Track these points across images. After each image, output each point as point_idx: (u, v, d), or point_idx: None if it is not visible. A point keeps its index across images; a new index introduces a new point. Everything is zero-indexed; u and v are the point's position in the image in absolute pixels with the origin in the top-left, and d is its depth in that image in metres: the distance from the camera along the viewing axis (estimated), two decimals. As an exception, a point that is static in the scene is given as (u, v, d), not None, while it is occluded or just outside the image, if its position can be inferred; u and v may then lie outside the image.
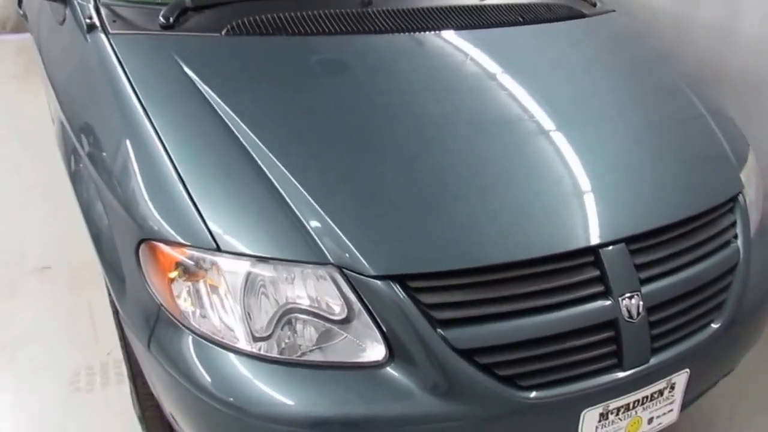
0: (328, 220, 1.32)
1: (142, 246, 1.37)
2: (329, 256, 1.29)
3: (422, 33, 1.82)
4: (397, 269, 1.29)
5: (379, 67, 1.72)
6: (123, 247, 1.44)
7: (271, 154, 1.41)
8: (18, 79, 4.67)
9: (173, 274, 1.34)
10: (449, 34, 1.86)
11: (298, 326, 1.33)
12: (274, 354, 1.31)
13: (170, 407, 1.47)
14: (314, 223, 1.32)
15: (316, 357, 1.32)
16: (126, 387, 2.12)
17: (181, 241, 1.32)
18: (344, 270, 1.29)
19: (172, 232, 1.33)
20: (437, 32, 1.84)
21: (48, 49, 2.00)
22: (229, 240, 1.31)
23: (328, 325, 1.32)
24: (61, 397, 2.14)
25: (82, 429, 2.03)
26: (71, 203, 2.99)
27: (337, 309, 1.32)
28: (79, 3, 1.80)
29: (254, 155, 1.41)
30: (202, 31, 1.69)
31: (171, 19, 1.68)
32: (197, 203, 1.34)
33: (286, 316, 1.32)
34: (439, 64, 1.76)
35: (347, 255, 1.29)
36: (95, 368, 2.27)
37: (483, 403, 1.31)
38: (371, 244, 1.31)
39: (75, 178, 1.63)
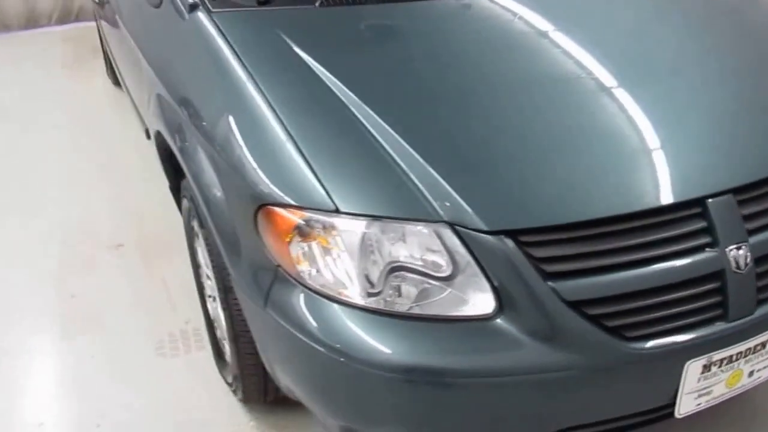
0: (439, 178, 1.38)
1: (261, 211, 1.44)
2: (442, 214, 1.35)
3: None
4: (510, 224, 1.34)
5: (467, 28, 1.77)
6: (239, 214, 1.51)
7: (376, 116, 1.48)
8: (68, 68, 4.78)
9: (292, 236, 1.41)
10: None
11: (407, 281, 1.39)
12: (386, 308, 1.38)
13: (282, 363, 1.56)
14: (425, 182, 1.38)
15: (425, 311, 1.38)
16: (206, 352, 2.24)
17: (301, 204, 1.39)
18: (456, 226, 1.35)
19: (292, 196, 1.40)
20: None
21: (141, 33, 2.07)
22: (347, 201, 1.37)
23: (434, 282, 1.38)
24: (151, 363, 2.25)
25: (175, 390, 2.15)
26: (134, 183, 3.11)
27: (444, 265, 1.38)
28: (176, -14, 1.89)
29: (361, 118, 1.48)
30: (296, 4, 1.76)
31: None
32: (314, 167, 1.41)
33: (396, 272, 1.38)
34: (528, 26, 1.81)
35: (459, 212, 1.35)
36: (176, 336, 2.38)
37: (591, 354, 1.36)
38: (483, 201, 1.37)
39: (183, 150, 1.70)
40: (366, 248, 1.37)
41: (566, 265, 1.35)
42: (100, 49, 4.79)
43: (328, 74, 1.57)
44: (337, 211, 1.37)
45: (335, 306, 1.39)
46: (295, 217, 1.40)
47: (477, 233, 1.34)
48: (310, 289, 1.41)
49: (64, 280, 2.66)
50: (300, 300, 1.42)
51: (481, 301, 1.37)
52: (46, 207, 3.12)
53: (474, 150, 1.46)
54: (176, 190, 2.28)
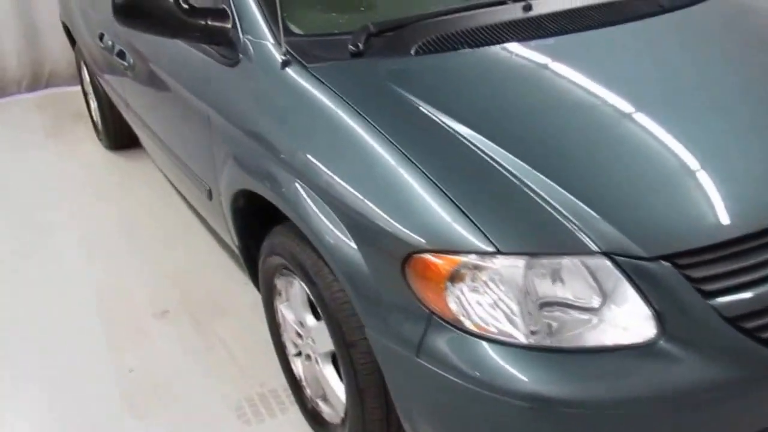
0: (590, 210, 1.40)
1: (410, 259, 1.43)
2: (598, 245, 1.37)
3: (587, 31, 1.92)
4: (669, 249, 1.37)
5: (565, 63, 1.82)
6: (381, 264, 1.50)
7: (510, 155, 1.49)
8: (52, 137, 4.65)
9: (448, 282, 1.40)
10: (610, 30, 1.96)
11: (561, 316, 1.39)
12: (548, 344, 1.38)
13: (433, 413, 1.53)
14: (576, 215, 1.39)
15: (582, 343, 1.39)
16: (291, 414, 2.20)
17: (458, 248, 1.38)
18: (613, 256, 1.37)
19: (447, 241, 1.39)
20: (599, 29, 1.94)
21: (212, 94, 2.03)
22: (506, 241, 1.37)
23: (586, 314, 1.39)
24: (238, 430, 2.18)
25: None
26: (158, 248, 3.15)
27: (596, 296, 1.39)
28: (255, 43, 1.89)
29: (495, 158, 1.49)
30: (392, 54, 1.78)
31: (360, 46, 1.76)
32: (465, 210, 1.41)
33: (548, 307, 1.39)
34: (614, 56, 1.88)
35: (616, 241, 1.37)
36: (254, 400, 2.31)
37: (750, 367, 1.39)
38: (638, 228, 1.39)
39: (294, 206, 1.67)
40: (527, 284, 1.38)
41: (722, 282, 1.39)
42: (82, 114, 4.72)
43: (446, 118, 1.58)
44: (497, 252, 1.37)
45: (499, 347, 1.39)
46: (451, 263, 1.39)
47: (636, 261, 1.37)
48: (469, 333, 1.40)
49: (118, 355, 2.56)
50: (461, 345, 1.41)
51: (640, 327, 1.38)
52: (74, 281, 3.01)
53: (614, 179, 1.49)
54: (246, 250, 2.25)
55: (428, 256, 1.41)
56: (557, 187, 1.44)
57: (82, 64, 4.15)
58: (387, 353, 1.55)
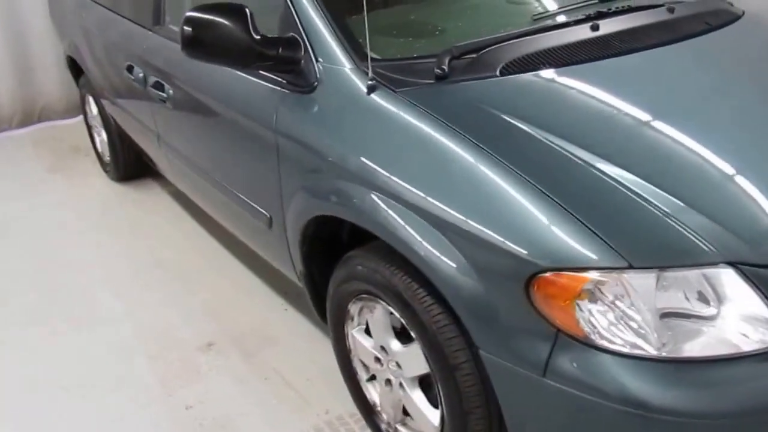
0: (710, 221, 1.42)
1: (536, 279, 1.43)
2: (723, 255, 1.39)
3: (657, 48, 1.96)
4: None
5: (647, 78, 1.86)
6: (498, 285, 1.50)
7: (616, 167, 1.51)
8: (55, 172, 4.53)
9: (578, 299, 1.40)
10: (677, 47, 2.01)
11: (681, 326, 1.41)
12: (678, 355, 1.39)
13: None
14: (697, 226, 1.42)
15: (710, 352, 1.40)
16: None
17: (590, 265, 1.39)
18: (738, 265, 1.39)
19: (577, 258, 1.40)
20: (668, 46, 1.99)
21: (283, 121, 2.01)
22: (637, 255, 1.38)
23: (703, 323, 1.41)
24: (314, 461, 2.15)
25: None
26: (192, 280, 3.09)
27: (717, 304, 1.41)
28: (331, 69, 1.88)
29: (602, 170, 1.51)
30: (477, 75, 1.78)
31: (445, 69, 1.77)
32: (590, 226, 1.41)
33: (666, 318, 1.41)
34: (693, 71, 1.94)
35: (740, 251, 1.40)
36: (323, 428, 2.27)
37: None
38: (760, 237, 1.42)
39: (394, 229, 1.66)
40: (655, 296, 1.39)
41: None
42: (80, 147, 4.65)
43: (549, 136, 1.60)
44: (629, 267, 1.37)
45: (631, 362, 1.39)
46: (580, 280, 1.40)
47: (760, 269, 1.39)
48: (599, 349, 1.41)
49: (171, 393, 2.49)
50: (592, 362, 1.41)
51: (765, 334, 1.40)
52: (107, 321, 2.92)
53: (729, 189, 1.52)
54: (309, 276, 2.22)
55: (555, 275, 1.41)
56: (674, 199, 1.46)
57: (88, 96, 4.09)
58: (506, 374, 1.54)
